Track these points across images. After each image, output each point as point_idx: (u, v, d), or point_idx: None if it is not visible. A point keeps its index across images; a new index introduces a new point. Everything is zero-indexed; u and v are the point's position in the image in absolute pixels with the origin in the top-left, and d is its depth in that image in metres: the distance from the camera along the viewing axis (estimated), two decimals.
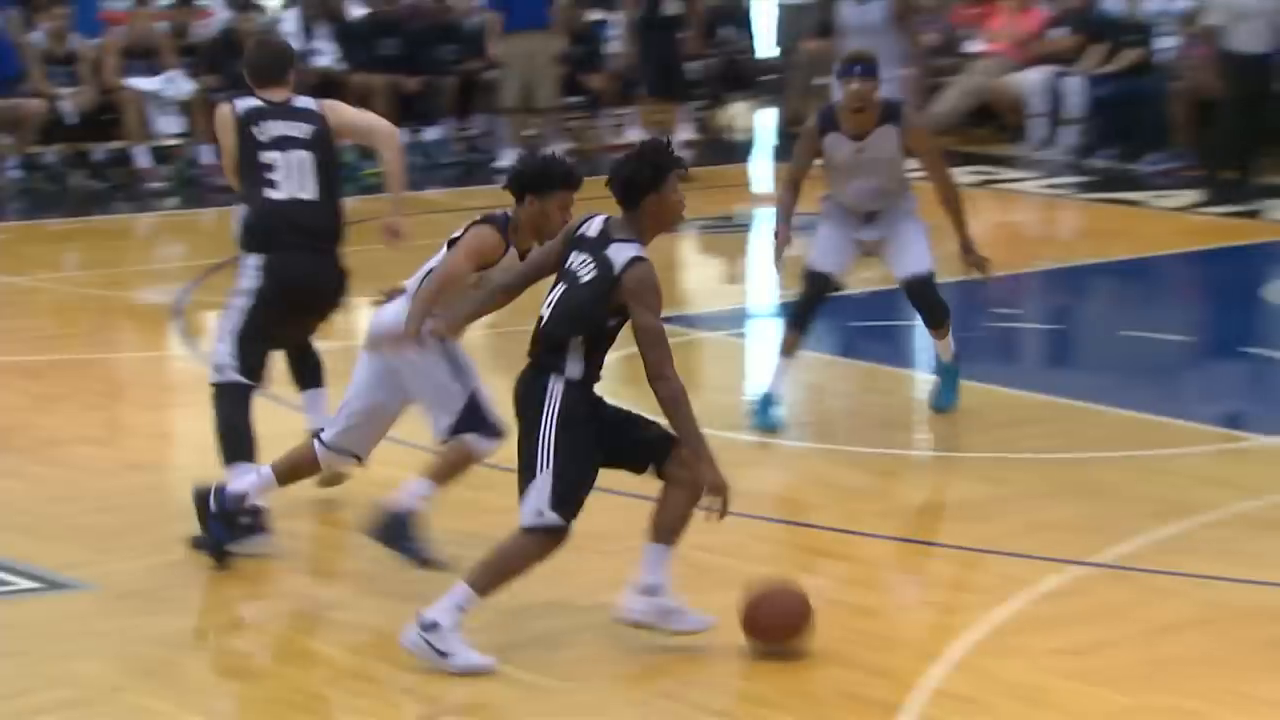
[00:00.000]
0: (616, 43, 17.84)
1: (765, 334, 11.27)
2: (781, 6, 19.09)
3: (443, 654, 5.95)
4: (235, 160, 7.43)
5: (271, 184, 7.28)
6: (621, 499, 6.71)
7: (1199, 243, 13.02)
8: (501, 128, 17.00)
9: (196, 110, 15.69)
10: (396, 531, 6.69)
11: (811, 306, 8.90)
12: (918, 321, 9.03)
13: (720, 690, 6.01)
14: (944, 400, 8.96)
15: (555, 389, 5.98)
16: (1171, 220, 12.95)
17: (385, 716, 5.84)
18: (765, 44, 19.32)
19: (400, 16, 17.21)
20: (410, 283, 6.83)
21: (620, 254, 5.95)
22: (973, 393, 9.27)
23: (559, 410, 5.97)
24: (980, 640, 6.22)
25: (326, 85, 14.70)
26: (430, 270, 6.75)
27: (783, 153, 17.45)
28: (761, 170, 17.60)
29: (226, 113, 7.45)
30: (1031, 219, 14.93)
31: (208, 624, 6.70)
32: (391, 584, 6.63)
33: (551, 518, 5.96)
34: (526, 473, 5.99)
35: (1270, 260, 12.89)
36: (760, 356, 10.74)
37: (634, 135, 15.75)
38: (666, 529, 6.12)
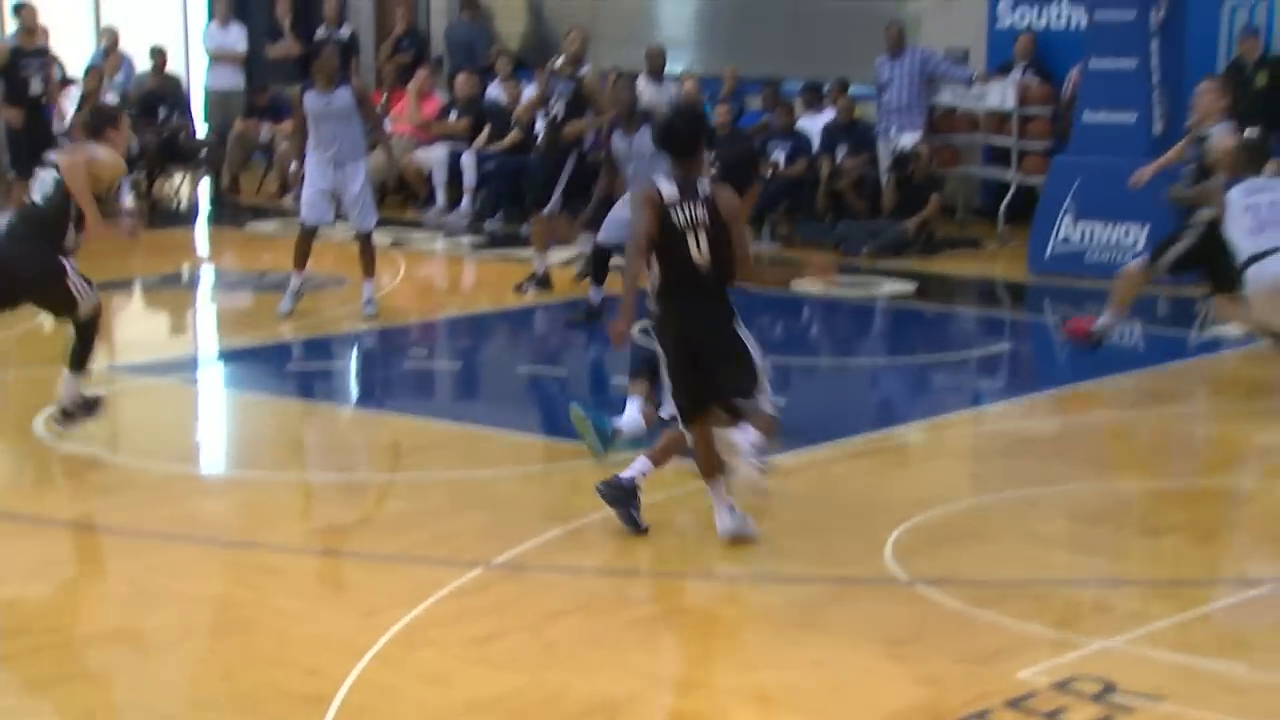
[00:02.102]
0: None
1: (209, 380, 11.02)
2: (209, 91, 18.69)
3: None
4: None
5: None
6: None
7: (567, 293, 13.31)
8: None
9: None
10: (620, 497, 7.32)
11: None
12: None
13: (167, 695, 5.80)
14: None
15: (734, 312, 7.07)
16: (558, 273, 13.22)
17: None
18: (201, 124, 18.94)
19: None
20: None
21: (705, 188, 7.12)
22: (392, 424, 9.27)
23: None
24: (397, 636, 6.20)
25: None
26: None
27: (218, 217, 17.18)
28: (201, 234, 17.19)
29: None
30: (439, 273, 15.04)
31: None
32: None
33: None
34: (746, 377, 6.98)
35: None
36: (206, 400, 10.51)
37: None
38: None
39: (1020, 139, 15.66)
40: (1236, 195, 9.83)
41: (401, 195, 17.58)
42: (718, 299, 7.18)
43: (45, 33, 16.55)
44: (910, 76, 15.66)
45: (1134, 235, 13.43)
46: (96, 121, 8.89)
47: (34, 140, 14.84)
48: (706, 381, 7.18)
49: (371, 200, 12.04)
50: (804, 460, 8.41)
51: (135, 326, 12.60)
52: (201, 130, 18.77)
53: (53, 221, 8.57)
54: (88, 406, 8.85)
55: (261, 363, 11.02)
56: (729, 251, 7.13)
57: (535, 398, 10.36)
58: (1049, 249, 13.93)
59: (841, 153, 15.64)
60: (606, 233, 11.64)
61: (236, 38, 18.48)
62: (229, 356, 11.51)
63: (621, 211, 11.62)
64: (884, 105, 15.75)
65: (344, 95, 11.70)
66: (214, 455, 9.23)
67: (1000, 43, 16.15)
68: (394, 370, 10.94)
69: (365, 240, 11.96)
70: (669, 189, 7.20)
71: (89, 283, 8.63)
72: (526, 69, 17.80)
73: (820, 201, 15.62)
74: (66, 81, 16.56)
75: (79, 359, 8.78)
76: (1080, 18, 15.08)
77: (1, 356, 10.74)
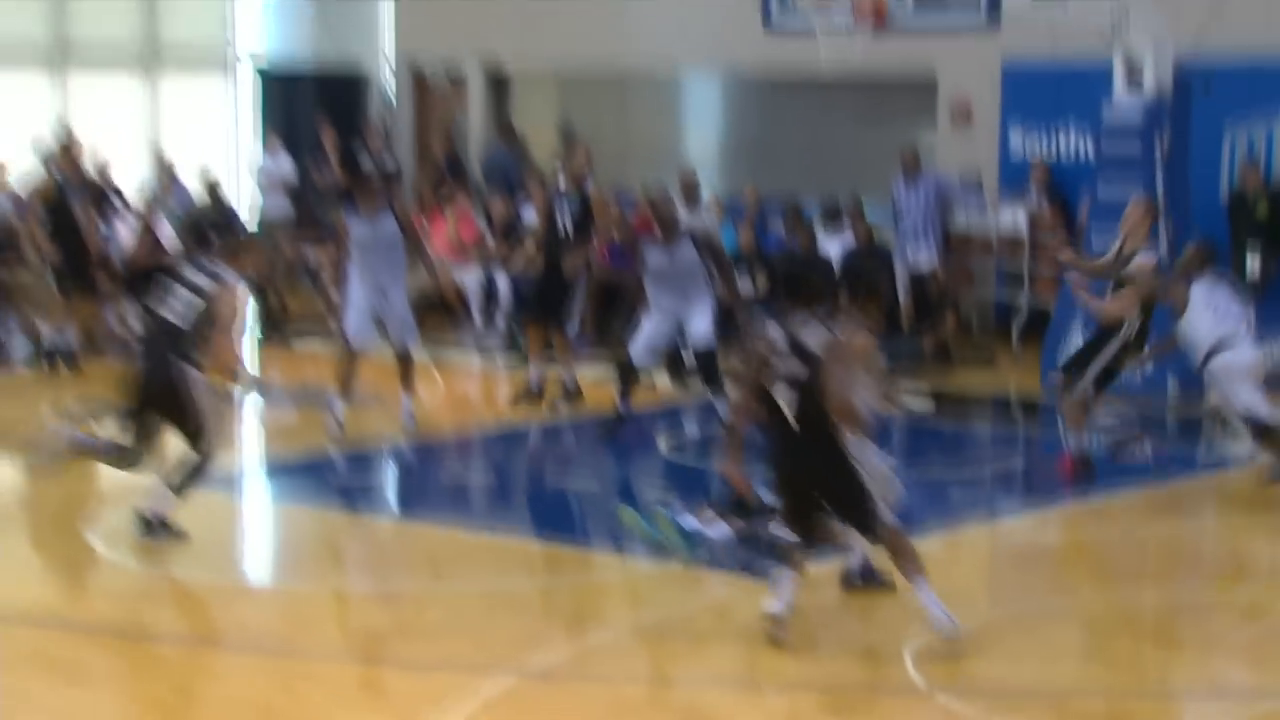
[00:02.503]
0: None
1: (253, 492, 11.08)
2: (261, 219, 18.91)
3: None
4: None
5: None
6: None
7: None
8: None
9: None
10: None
11: None
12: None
13: None
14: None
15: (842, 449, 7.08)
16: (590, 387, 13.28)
17: None
18: None
19: None
20: None
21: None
22: (429, 535, 9.31)
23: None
24: None
25: None
26: None
27: (267, 336, 17.21)
28: (249, 351, 17.21)
29: None
30: (474, 389, 15.11)
31: None
32: None
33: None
34: (858, 511, 7.08)
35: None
36: (250, 511, 10.54)
37: None
38: None
39: (1032, 262, 15.76)
40: (1199, 293, 10.34)
41: (440, 314, 17.70)
42: (826, 441, 7.14)
43: (98, 163, 16.71)
44: (926, 201, 15.81)
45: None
46: (235, 247, 9.01)
47: (78, 265, 14.85)
48: (823, 513, 7.23)
49: (412, 320, 12.16)
50: (827, 569, 8.43)
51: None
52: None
53: (191, 342, 8.68)
54: (170, 530, 8.82)
55: (304, 476, 11.08)
56: (832, 398, 7.10)
57: (567, 509, 10.38)
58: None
59: None
60: (635, 347, 11.76)
61: (286, 167, 18.79)
62: (274, 469, 11.58)
63: (649, 326, 11.76)
64: (901, 228, 15.88)
65: (388, 222, 11.82)
66: (256, 565, 9.28)
67: (1013, 170, 16.31)
68: (431, 482, 10.99)
69: (406, 358, 12.07)
70: (776, 334, 7.24)
71: (216, 410, 8.79)
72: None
73: None
74: (123, 207, 16.75)
75: (183, 481, 8.80)
76: (1090, 148, 15.24)
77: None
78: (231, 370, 8.96)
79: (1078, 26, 13.92)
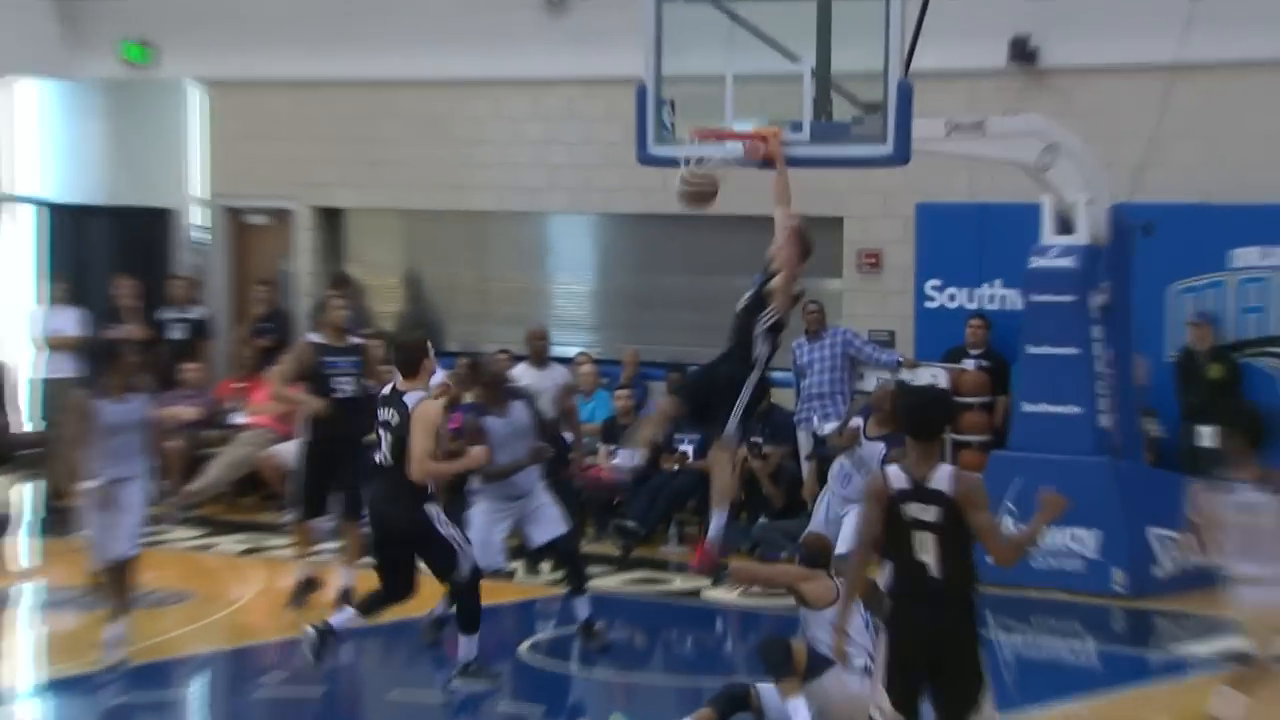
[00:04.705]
0: None
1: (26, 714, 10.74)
2: (44, 381, 18.56)
3: None
4: None
5: None
6: None
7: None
8: None
9: None
10: None
11: None
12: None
13: None
14: None
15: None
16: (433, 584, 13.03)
17: None
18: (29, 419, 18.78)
19: None
20: None
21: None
22: None
23: None
24: None
25: None
26: None
27: (50, 526, 16.71)
28: (22, 546, 16.65)
29: None
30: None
31: None
32: None
33: None
34: (970, 702, 7.11)
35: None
36: None
37: None
38: None
39: (954, 432, 15.86)
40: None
41: (258, 495, 17.42)
42: (957, 604, 7.18)
43: None
44: (832, 360, 15.88)
45: (1084, 541, 13.45)
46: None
47: None
48: (929, 693, 7.17)
49: (138, 525, 11.24)
50: None
51: None
52: (30, 424, 18.65)
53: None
54: (485, 673, 10.41)
55: (87, 693, 10.77)
56: (968, 551, 7.13)
57: None
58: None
59: (758, 441, 15.71)
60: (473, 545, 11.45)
61: (72, 322, 18.40)
62: (51, 686, 11.25)
63: (480, 517, 11.56)
64: (804, 391, 15.93)
65: (137, 406, 11.11)
66: None
67: (930, 323, 16.45)
68: (243, 699, 10.73)
69: (120, 569, 11.19)
70: (899, 478, 7.22)
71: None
72: None
73: (733, 493, 15.61)
74: None
75: (469, 620, 10.49)
76: (1016, 300, 15.34)
77: None
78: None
79: (999, 160, 14.15)
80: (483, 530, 11.47)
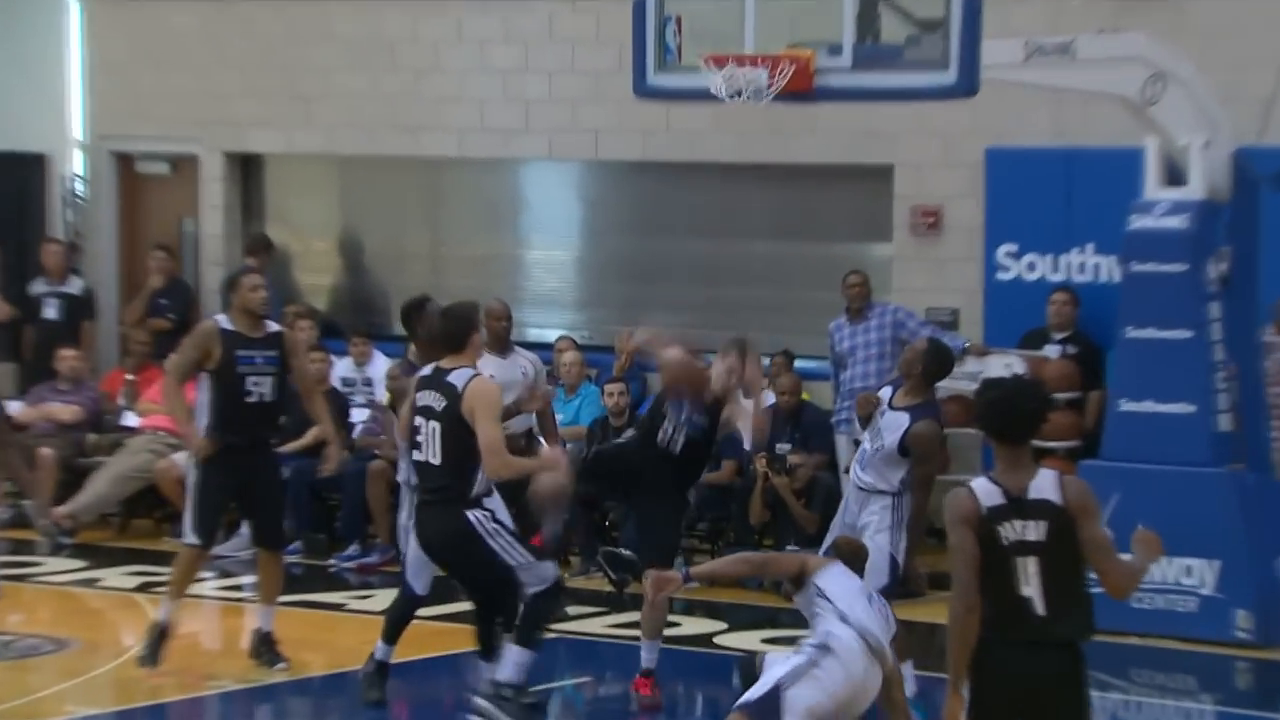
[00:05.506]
0: None
1: None
2: None
3: None
4: None
5: None
6: None
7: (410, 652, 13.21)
8: None
9: None
10: None
11: None
12: None
13: None
14: None
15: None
16: (374, 626, 13.05)
17: None
18: None
19: None
20: None
21: None
22: None
23: None
24: None
25: None
26: None
27: None
28: None
29: None
30: (209, 629, 14.81)
31: None
32: None
33: None
34: None
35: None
36: None
37: None
38: None
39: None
40: None
41: (154, 516, 17.44)
42: (1064, 646, 7.22)
43: None
44: (879, 346, 15.86)
45: (1199, 575, 13.43)
46: None
47: None
48: None
49: None
50: None
51: None
52: None
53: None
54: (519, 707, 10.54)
55: None
56: (1081, 580, 7.17)
57: None
58: None
59: (785, 450, 15.71)
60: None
61: None
62: None
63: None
64: (843, 385, 15.90)
65: None
66: None
67: (1003, 299, 16.42)
68: None
69: None
70: (990, 493, 7.24)
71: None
72: (337, 337, 17.91)
73: (754, 515, 15.60)
74: None
75: (530, 632, 10.82)
76: (1113, 270, 15.36)
77: None
78: None
79: (1091, 93, 14.13)
80: (417, 550, 11.59)
